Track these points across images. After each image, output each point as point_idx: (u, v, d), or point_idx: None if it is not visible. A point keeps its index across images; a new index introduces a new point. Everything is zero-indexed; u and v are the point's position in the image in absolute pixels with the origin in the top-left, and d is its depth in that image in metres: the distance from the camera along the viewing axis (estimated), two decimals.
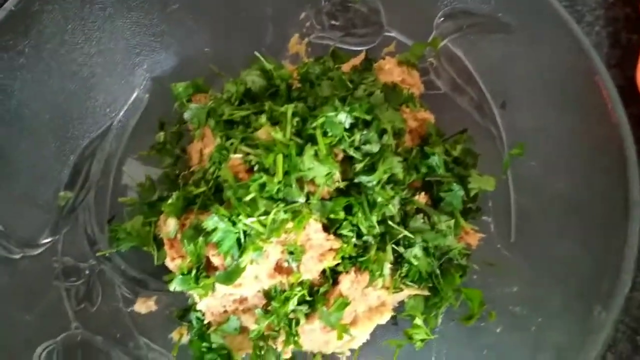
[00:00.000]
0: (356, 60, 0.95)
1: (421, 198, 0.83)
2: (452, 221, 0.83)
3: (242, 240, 0.72)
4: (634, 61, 1.14)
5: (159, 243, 0.85)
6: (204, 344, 0.80)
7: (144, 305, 0.84)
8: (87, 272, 0.83)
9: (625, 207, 0.68)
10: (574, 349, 0.62)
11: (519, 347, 0.73)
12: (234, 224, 0.72)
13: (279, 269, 0.76)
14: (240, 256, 0.72)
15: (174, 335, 0.83)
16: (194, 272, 0.74)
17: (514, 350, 0.73)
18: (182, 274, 0.74)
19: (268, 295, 0.77)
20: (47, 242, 0.81)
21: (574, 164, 0.79)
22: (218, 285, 0.74)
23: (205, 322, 0.82)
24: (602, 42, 1.17)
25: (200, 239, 0.73)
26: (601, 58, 1.14)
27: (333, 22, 1.01)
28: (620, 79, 1.13)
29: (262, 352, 0.80)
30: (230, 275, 0.73)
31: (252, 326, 0.79)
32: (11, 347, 0.69)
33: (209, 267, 0.76)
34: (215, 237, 0.72)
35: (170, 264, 0.78)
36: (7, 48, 0.76)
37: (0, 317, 0.71)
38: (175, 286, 0.75)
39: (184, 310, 0.85)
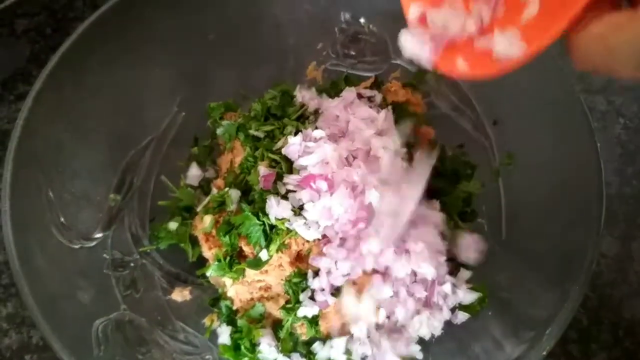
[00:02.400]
0: (366, 84, 1.08)
1: None
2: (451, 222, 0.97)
3: (268, 232, 0.85)
4: (615, 87, 1.28)
5: (193, 242, 0.97)
6: (233, 329, 0.92)
7: (180, 295, 0.95)
8: (132, 264, 0.95)
9: (590, 209, 0.80)
10: (549, 320, 0.74)
11: (504, 325, 0.84)
12: (259, 218, 0.85)
13: (299, 258, 0.88)
14: (267, 246, 0.85)
15: (206, 321, 0.94)
16: (227, 259, 0.87)
17: (501, 327, 0.84)
18: (218, 260, 0.87)
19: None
20: (100, 237, 0.93)
21: (553, 173, 0.91)
22: (248, 271, 0.86)
23: (234, 308, 0.93)
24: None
25: (234, 230, 0.85)
26: (586, 85, 1.28)
27: (346, 51, 1.12)
28: (604, 104, 1.26)
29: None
30: (259, 262, 0.85)
31: (275, 312, 0.91)
32: (76, 319, 0.81)
33: (240, 256, 0.89)
34: (244, 230, 0.85)
35: (207, 253, 0.90)
36: (78, 71, 0.90)
37: (67, 295, 0.82)
38: (211, 272, 0.87)
39: (214, 299, 0.96)
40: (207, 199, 0.95)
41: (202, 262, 0.96)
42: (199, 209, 0.95)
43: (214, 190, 0.96)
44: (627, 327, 1.05)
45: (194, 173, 1.05)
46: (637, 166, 1.19)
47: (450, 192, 0.99)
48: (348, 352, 0.88)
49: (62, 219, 0.87)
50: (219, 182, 0.99)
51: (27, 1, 1.33)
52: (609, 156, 1.20)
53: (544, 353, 0.72)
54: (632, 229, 1.13)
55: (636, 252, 1.11)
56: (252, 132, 0.98)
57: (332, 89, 1.09)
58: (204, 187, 1.05)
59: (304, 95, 1.01)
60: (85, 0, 1.35)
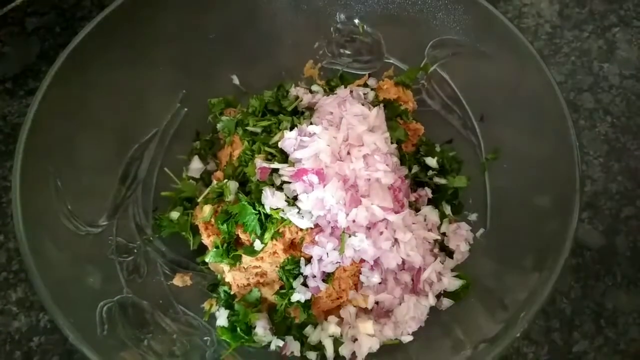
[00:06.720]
0: (360, 82, 1.13)
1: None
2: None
3: (264, 221, 0.90)
4: (603, 85, 1.32)
5: (194, 231, 1.01)
6: (230, 312, 0.97)
7: (181, 280, 1.00)
8: (135, 251, 0.99)
9: (568, 202, 0.85)
10: (525, 304, 0.79)
11: (485, 309, 0.89)
12: (254, 207, 0.90)
13: (293, 246, 0.93)
14: (262, 234, 0.90)
15: (206, 305, 0.98)
16: (225, 246, 0.92)
17: (482, 312, 0.89)
18: (216, 247, 0.92)
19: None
20: (105, 225, 0.97)
21: (535, 168, 0.95)
22: (244, 257, 0.91)
23: (232, 293, 0.98)
24: (576, 70, 1.33)
25: (232, 219, 0.90)
26: (575, 83, 1.32)
27: (342, 50, 1.17)
28: (592, 102, 1.30)
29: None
30: (254, 249, 0.90)
31: (271, 297, 0.96)
32: (81, 301, 0.85)
33: (237, 244, 0.94)
34: (241, 219, 0.90)
35: (206, 240, 0.95)
36: (85, 68, 0.95)
37: (74, 278, 0.87)
38: (210, 258, 0.92)
39: (213, 284, 1.01)
40: (207, 190, 1.00)
41: (202, 250, 1.01)
42: (199, 199, 1.00)
43: (214, 182, 1.01)
44: (609, 317, 1.09)
45: (196, 166, 1.11)
46: (623, 163, 1.23)
47: (439, 186, 1.03)
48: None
49: (69, 207, 0.92)
50: (219, 174, 1.04)
51: (37, 0, 1.38)
52: (595, 153, 1.24)
53: (518, 335, 0.76)
54: (617, 223, 1.17)
55: (620, 245, 1.15)
56: (249, 128, 1.03)
57: (327, 86, 1.14)
58: (205, 179, 1.10)
59: (299, 90, 1.06)
60: (93, 0, 1.40)
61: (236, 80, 1.17)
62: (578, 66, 1.34)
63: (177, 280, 1.00)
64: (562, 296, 1.10)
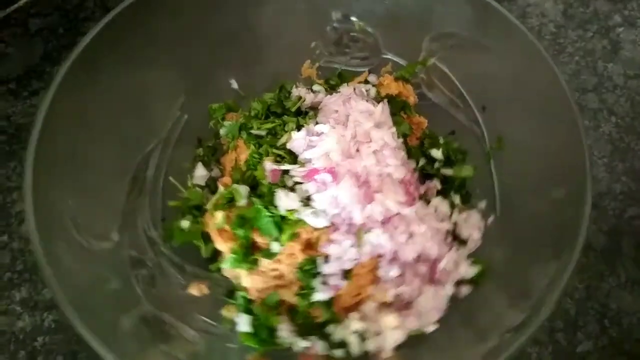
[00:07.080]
0: (361, 79, 1.14)
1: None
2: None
3: (279, 223, 0.90)
4: (607, 86, 1.32)
5: (205, 238, 1.01)
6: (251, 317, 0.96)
7: (197, 289, 0.98)
8: (148, 263, 0.97)
9: (580, 186, 0.86)
10: (541, 294, 0.81)
11: (499, 296, 0.90)
12: (268, 210, 0.90)
13: (309, 246, 0.93)
14: (279, 236, 0.89)
15: (224, 312, 0.98)
16: (243, 251, 0.91)
17: (496, 298, 0.91)
18: (235, 253, 0.91)
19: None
20: (116, 238, 0.95)
21: (540, 152, 0.97)
22: (262, 261, 0.91)
23: (250, 298, 0.97)
24: (581, 70, 1.34)
25: (247, 224, 0.90)
26: (579, 84, 1.32)
27: (339, 48, 1.18)
28: (596, 102, 1.30)
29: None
30: (272, 252, 0.90)
31: (290, 299, 0.95)
32: (101, 314, 0.84)
33: (254, 248, 0.93)
34: (257, 223, 0.90)
35: (222, 246, 0.94)
36: (89, 77, 0.93)
37: (94, 290, 0.86)
38: (228, 264, 0.92)
39: (230, 291, 0.99)
40: (215, 196, 0.99)
41: (214, 257, 1.00)
42: (207, 206, 0.99)
43: (221, 188, 1.00)
44: (613, 317, 1.09)
45: (201, 173, 1.10)
46: (628, 163, 1.24)
47: (446, 177, 1.05)
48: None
49: (79, 221, 0.90)
50: (226, 179, 1.03)
51: (41, 1, 1.37)
52: (600, 153, 1.25)
53: (543, 319, 0.77)
54: (621, 224, 1.18)
55: (625, 246, 1.16)
56: (254, 131, 1.02)
57: (326, 85, 1.14)
58: (211, 185, 1.09)
59: (300, 91, 1.06)
60: (96, 1, 1.39)
61: (235, 85, 1.16)
62: (582, 66, 1.35)
63: (193, 289, 0.99)
64: (566, 296, 1.10)
